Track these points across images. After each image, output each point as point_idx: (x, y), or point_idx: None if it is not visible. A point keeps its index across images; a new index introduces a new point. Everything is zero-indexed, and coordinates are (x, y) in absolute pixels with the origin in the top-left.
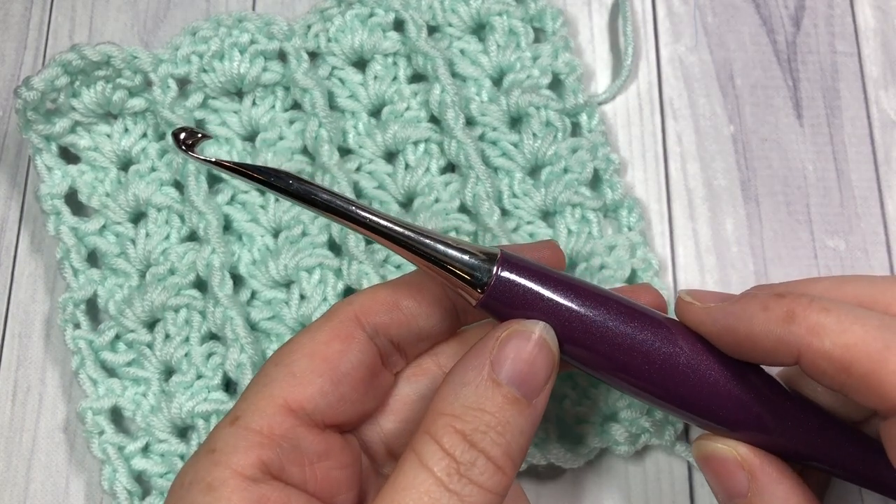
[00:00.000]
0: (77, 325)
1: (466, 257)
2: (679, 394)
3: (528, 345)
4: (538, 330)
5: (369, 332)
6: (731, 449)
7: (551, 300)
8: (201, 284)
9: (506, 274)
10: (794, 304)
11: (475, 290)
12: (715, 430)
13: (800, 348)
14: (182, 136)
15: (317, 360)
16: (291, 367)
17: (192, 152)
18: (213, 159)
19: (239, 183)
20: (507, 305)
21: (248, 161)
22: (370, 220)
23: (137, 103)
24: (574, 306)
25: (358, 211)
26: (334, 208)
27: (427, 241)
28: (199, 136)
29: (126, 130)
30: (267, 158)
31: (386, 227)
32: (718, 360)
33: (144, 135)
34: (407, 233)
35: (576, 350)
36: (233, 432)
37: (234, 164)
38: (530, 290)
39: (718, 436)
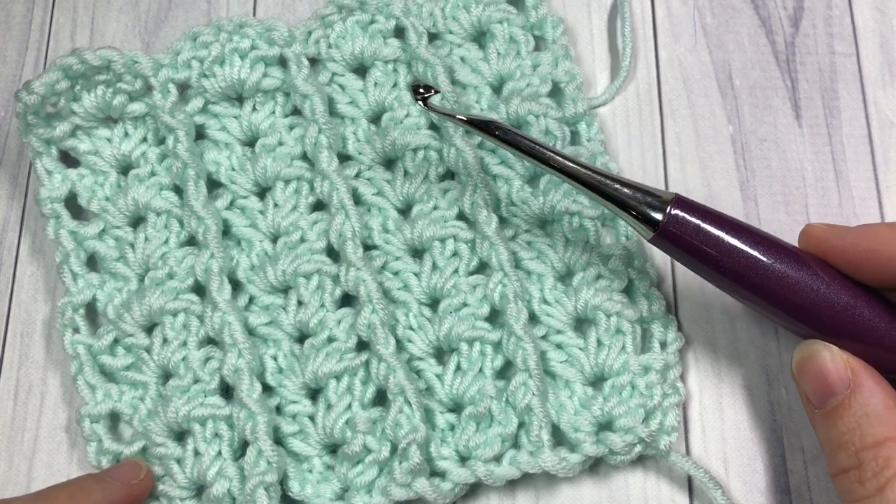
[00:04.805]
0: (76, 330)
1: (647, 198)
2: (808, 310)
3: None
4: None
5: None
6: (838, 351)
7: (718, 237)
8: (199, 289)
9: (678, 212)
10: None
11: (652, 227)
12: (825, 339)
13: None
14: (420, 90)
15: None
16: None
17: (426, 105)
18: (448, 112)
19: (238, 189)
20: (677, 240)
21: (248, 166)
22: (568, 167)
23: (137, 108)
24: (739, 244)
25: (557, 157)
26: (538, 156)
27: (615, 184)
28: (433, 91)
29: (126, 135)
30: (266, 164)
31: (584, 173)
32: (848, 284)
33: (144, 139)
34: (597, 177)
35: (738, 281)
36: None
37: (463, 115)
38: (699, 226)
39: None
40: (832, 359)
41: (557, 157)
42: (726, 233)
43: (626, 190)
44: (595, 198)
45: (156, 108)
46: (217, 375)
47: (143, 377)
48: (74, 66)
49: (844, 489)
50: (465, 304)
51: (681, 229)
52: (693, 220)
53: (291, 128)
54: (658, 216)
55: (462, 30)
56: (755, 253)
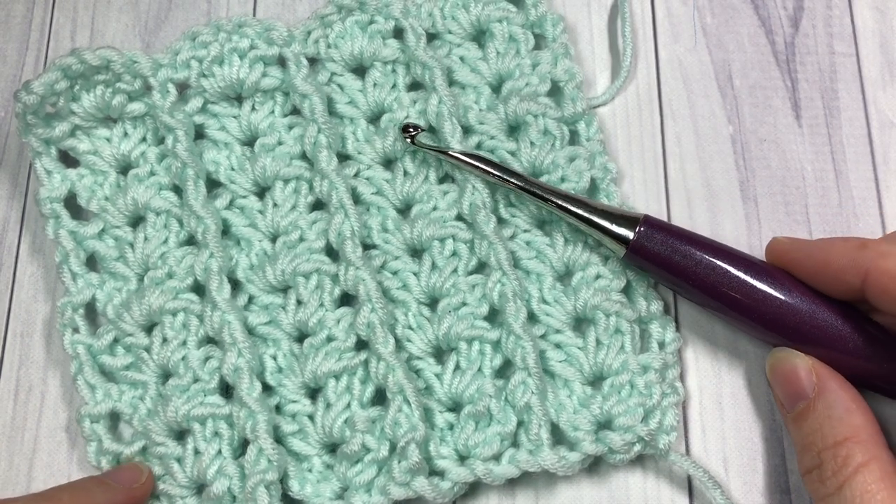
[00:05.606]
0: (76, 330)
1: (619, 219)
2: (774, 319)
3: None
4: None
5: None
6: (804, 358)
7: (686, 251)
8: (199, 288)
9: (647, 229)
10: (866, 239)
11: (625, 245)
12: (792, 346)
13: (868, 269)
14: (411, 130)
15: None
16: None
17: (415, 142)
18: (440, 148)
19: (237, 188)
20: (647, 255)
21: (248, 165)
22: (548, 196)
23: (137, 107)
24: (707, 257)
25: (538, 187)
26: (521, 186)
27: (591, 209)
28: (420, 129)
29: (125, 134)
30: (265, 163)
31: (562, 200)
32: (811, 294)
33: (144, 139)
34: (575, 203)
35: (707, 292)
36: None
37: (450, 150)
38: (667, 241)
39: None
40: (800, 364)
41: (538, 187)
42: (694, 247)
43: (600, 212)
44: (574, 221)
45: (155, 108)
46: (217, 374)
47: (142, 377)
48: (74, 66)
49: (810, 489)
50: (464, 304)
51: (651, 245)
52: (661, 236)
53: (290, 127)
54: (629, 234)
55: (461, 29)
56: (723, 265)
